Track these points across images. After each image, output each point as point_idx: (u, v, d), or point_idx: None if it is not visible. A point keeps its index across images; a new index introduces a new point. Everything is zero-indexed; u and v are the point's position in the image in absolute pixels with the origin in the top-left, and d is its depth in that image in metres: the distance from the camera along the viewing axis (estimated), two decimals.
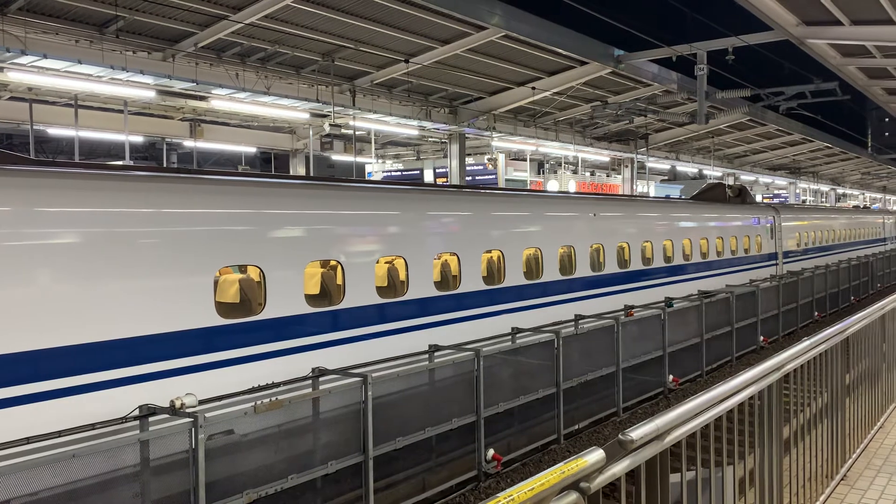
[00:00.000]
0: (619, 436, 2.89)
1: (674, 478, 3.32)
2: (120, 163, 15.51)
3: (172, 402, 5.93)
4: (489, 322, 10.63)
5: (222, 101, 15.60)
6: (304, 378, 7.48)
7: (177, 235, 7.08)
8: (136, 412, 6.01)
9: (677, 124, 24.16)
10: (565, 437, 10.17)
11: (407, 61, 15.97)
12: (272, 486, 6.44)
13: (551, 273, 12.19)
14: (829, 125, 33.56)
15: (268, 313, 7.70)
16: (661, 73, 19.93)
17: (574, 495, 2.64)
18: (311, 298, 8.32)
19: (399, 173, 27.67)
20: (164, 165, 22.83)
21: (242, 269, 8.09)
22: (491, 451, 8.76)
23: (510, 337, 10.31)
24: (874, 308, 6.97)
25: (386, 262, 9.59)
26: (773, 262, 22.33)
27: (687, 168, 35.75)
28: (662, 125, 26.39)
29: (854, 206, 55.60)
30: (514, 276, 11.36)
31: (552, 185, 27.72)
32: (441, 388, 8.43)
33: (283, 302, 7.86)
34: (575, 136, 25.16)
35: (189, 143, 20.84)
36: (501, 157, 24.65)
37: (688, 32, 18.91)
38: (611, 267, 13.82)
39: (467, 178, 22.82)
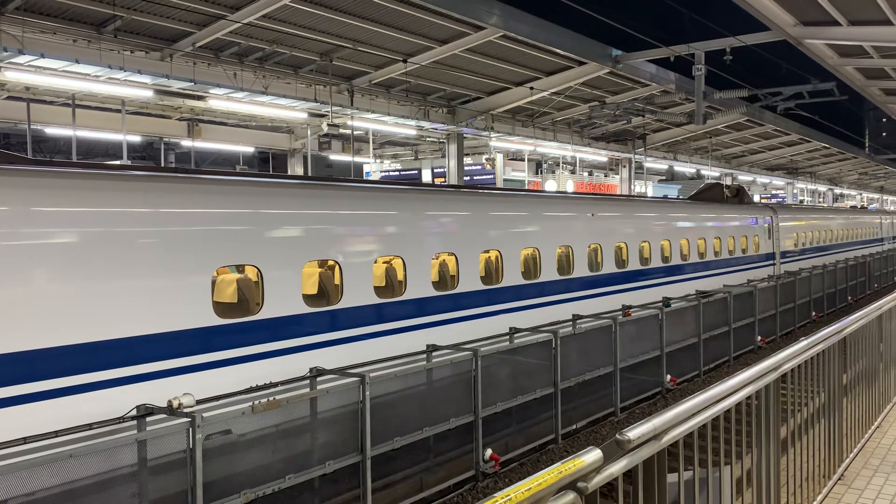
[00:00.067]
0: (617, 436, 2.90)
1: (671, 478, 3.32)
2: (117, 162, 15.50)
3: (170, 401, 5.92)
4: (487, 322, 10.63)
5: (220, 100, 15.59)
6: (302, 378, 7.48)
7: (174, 235, 7.07)
8: (134, 412, 6.00)
9: (675, 124, 24.19)
10: (563, 436, 10.18)
11: (405, 61, 15.96)
12: (270, 486, 6.44)
13: (549, 273, 12.19)
14: (827, 125, 33.65)
15: (265, 313, 7.70)
16: (658, 73, 19.95)
17: (571, 495, 2.65)
18: (308, 298, 8.32)
19: (397, 173, 27.65)
20: (162, 165, 22.81)
21: (240, 268, 8.08)
22: (489, 451, 8.77)
23: (508, 337, 10.31)
24: (871, 308, 6.98)
25: (384, 262, 9.59)
26: (771, 262, 22.36)
27: (685, 168, 35.78)
28: (660, 125, 26.41)
29: (851, 207, 55.67)
30: (512, 276, 11.37)
31: (550, 185, 27.72)
32: (439, 388, 8.43)
33: (281, 302, 7.86)
34: (573, 136, 25.17)
35: (187, 143, 20.81)
36: (499, 157, 24.65)
37: (686, 32, 18.97)
38: (608, 267, 13.82)
39: (465, 178, 22.81)
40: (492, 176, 24.40)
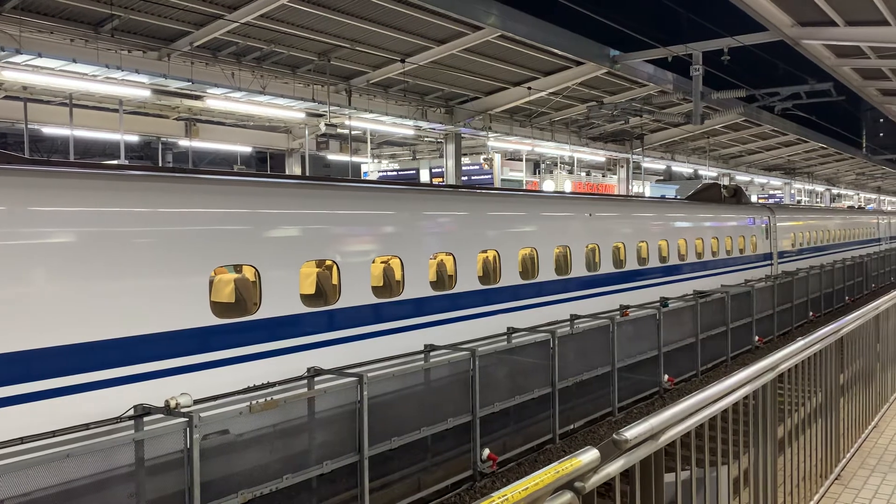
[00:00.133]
0: (614, 435, 2.90)
1: (668, 477, 3.33)
2: (115, 162, 15.48)
3: (167, 401, 5.91)
4: (485, 322, 10.64)
5: (218, 100, 15.57)
6: (300, 378, 7.47)
7: (172, 235, 7.07)
8: (131, 412, 6.00)
9: (673, 124, 24.22)
10: (561, 436, 10.18)
11: (403, 61, 15.96)
12: (267, 486, 6.44)
13: (547, 273, 12.20)
14: (824, 126, 33.69)
15: (263, 313, 7.70)
16: (656, 73, 19.96)
17: (568, 495, 2.65)
18: (306, 298, 8.31)
19: (395, 173, 27.64)
20: (160, 165, 22.78)
21: (238, 268, 8.08)
22: (486, 451, 8.77)
23: (506, 337, 10.31)
24: (868, 308, 6.99)
25: (381, 262, 9.59)
26: (769, 262, 22.38)
27: (682, 168, 35.80)
28: (658, 125, 26.43)
29: (849, 207, 55.75)
30: (510, 276, 11.37)
31: (548, 186, 27.73)
32: (437, 388, 8.44)
33: (279, 302, 7.86)
34: (571, 137, 25.18)
35: (184, 143, 20.78)
36: (497, 157, 24.66)
37: (683, 33, 18.98)
38: (606, 267, 13.83)
39: (463, 178, 22.81)
40: (490, 176, 24.41)
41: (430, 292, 9.91)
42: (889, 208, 62.12)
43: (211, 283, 7.43)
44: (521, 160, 27.28)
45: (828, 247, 28.41)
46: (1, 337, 5.78)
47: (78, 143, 18.69)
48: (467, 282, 10.55)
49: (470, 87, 19.39)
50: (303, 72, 16.01)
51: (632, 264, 14.73)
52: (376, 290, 9.16)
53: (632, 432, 2.93)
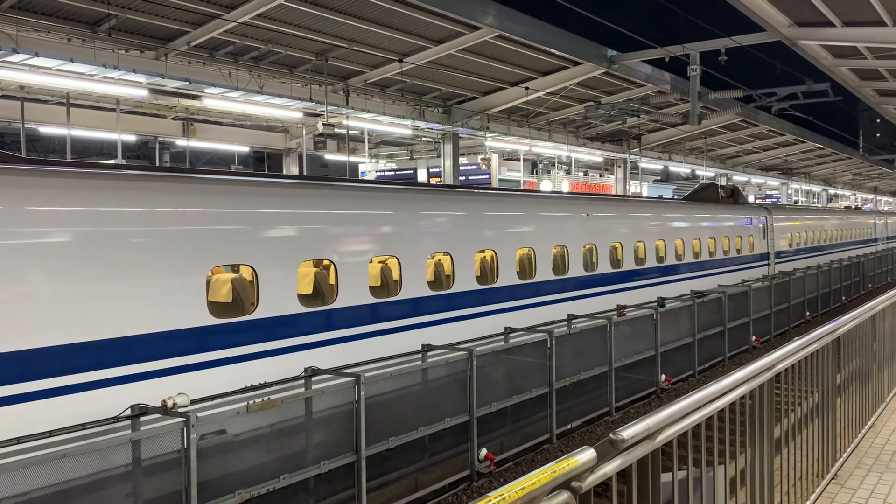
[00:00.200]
0: (611, 435, 2.90)
1: (665, 477, 3.33)
2: (112, 161, 15.46)
3: (164, 401, 5.91)
4: (482, 322, 10.64)
5: (215, 100, 15.55)
6: (297, 378, 7.47)
7: (169, 235, 7.06)
8: (128, 412, 5.99)
9: (670, 125, 24.23)
10: (558, 436, 10.18)
11: (400, 61, 15.95)
12: (264, 486, 6.43)
13: (544, 273, 12.21)
14: (821, 126, 33.73)
15: (260, 313, 7.69)
16: (653, 73, 19.97)
17: (565, 495, 2.65)
18: (303, 298, 8.31)
19: (392, 173, 27.63)
20: (157, 164, 22.75)
21: (235, 268, 8.07)
22: (484, 451, 8.77)
23: (503, 337, 10.31)
24: (865, 308, 7.00)
25: (379, 262, 9.59)
26: (765, 262, 22.42)
27: (679, 168, 35.84)
28: (655, 125, 26.44)
29: (845, 207, 55.84)
30: (508, 276, 11.37)
31: (545, 185, 27.74)
32: (434, 388, 8.44)
33: (276, 302, 7.85)
34: (568, 137, 25.19)
35: (181, 142, 20.75)
36: (495, 157, 24.66)
37: (680, 33, 18.98)
38: (604, 267, 13.84)
39: (461, 178, 22.81)
40: (487, 176, 24.40)
41: (428, 292, 9.91)
42: (886, 208, 62.24)
43: (208, 282, 7.43)
44: (518, 160, 27.28)
45: (825, 247, 28.46)
46: None
47: (75, 142, 18.67)
48: (465, 282, 10.55)
49: (467, 87, 19.39)
50: (300, 71, 16.00)
51: (629, 264, 14.74)
52: (374, 290, 9.15)
53: (628, 432, 2.93)
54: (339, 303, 8.59)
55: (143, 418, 5.98)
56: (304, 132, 20.20)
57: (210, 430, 6.13)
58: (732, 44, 16.22)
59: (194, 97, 15.50)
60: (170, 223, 7.15)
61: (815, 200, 53.42)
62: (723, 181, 35.70)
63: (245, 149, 24.94)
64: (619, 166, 30.01)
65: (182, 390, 6.10)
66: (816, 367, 5.55)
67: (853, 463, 6.17)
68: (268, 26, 13.56)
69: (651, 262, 15.61)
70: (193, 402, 6.11)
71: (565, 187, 27.59)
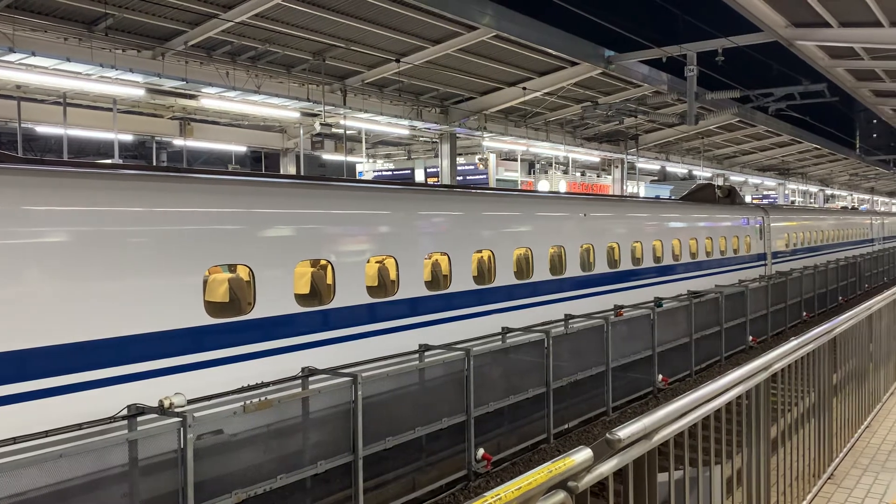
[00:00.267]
0: (607, 435, 2.90)
1: (661, 477, 3.33)
2: (109, 161, 15.43)
3: (161, 401, 5.90)
4: (479, 322, 10.64)
5: (212, 99, 15.54)
6: (294, 378, 7.46)
7: (166, 234, 7.05)
8: (125, 412, 5.98)
9: (667, 125, 24.26)
10: (555, 436, 10.19)
11: (398, 61, 15.95)
12: (261, 486, 6.43)
13: (541, 273, 12.21)
14: (818, 126, 33.81)
15: (257, 313, 7.68)
16: (651, 73, 20.00)
17: (562, 494, 2.65)
18: (300, 298, 8.30)
19: (390, 173, 27.64)
20: (154, 164, 22.72)
21: (232, 268, 8.06)
22: (481, 451, 8.77)
23: (500, 337, 10.32)
24: (861, 308, 7.02)
25: (376, 262, 9.58)
26: (762, 262, 22.45)
27: (677, 169, 35.88)
28: (652, 126, 26.47)
29: (842, 208, 55.94)
30: (505, 276, 11.38)
31: (543, 186, 27.76)
32: (431, 388, 8.43)
33: (273, 301, 7.85)
34: (565, 137, 25.21)
35: (179, 142, 20.73)
36: (492, 157, 24.67)
37: (678, 33, 19.01)
38: (601, 267, 13.86)
39: (458, 178, 22.82)
40: (484, 176, 24.42)
41: (425, 292, 9.91)
42: (882, 209, 62.36)
43: (205, 282, 7.42)
44: (516, 160, 27.30)
45: (821, 247, 28.51)
46: None
47: (72, 142, 18.65)
48: (462, 282, 10.55)
49: (465, 87, 19.40)
50: (298, 71, 15.99)
51: (626, 264, 14.75)
52: (371, 290, 9.15)
53: (625, 432, 2.94)
54: (337, 303, 8.58)
55: (139, 418, 5.97)
56: (301, 132, 20.18)
57: (207, 430, 6.12)
58: (729, 44, 16.25)
59: (191, 97, 15.49)
60: (167, 223, 7.14)
61: (812, 201, 53.52)
62: (720, 181, 35.74)
63: (242, 149, 24.92)
64: (617, 166, 30.04)
65: (179, 390, 6.09)
66: (813, 367, 5.56)
67: (849, 463, 6.19)
68: (265, 26, 13.55)
69: (648, 263, 15.63)
70: (190, 402, 6.10)
71: (562, 187, 27.61)
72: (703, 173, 35.45)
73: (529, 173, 30.00)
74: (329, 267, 8.69)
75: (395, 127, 20.06)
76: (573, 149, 26.00)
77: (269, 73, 15.59)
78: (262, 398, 6.69)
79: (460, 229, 11.00)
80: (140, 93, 14.74)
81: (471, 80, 18.63)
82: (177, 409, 5.86)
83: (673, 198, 28.57)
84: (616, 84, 20.34)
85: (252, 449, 6.52)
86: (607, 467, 2.92)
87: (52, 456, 5.09)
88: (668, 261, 16.54)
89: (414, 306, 9.70)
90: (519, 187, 26.00)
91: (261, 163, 29.40)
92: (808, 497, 5.33)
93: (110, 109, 16.08)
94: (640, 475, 3.17)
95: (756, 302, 17.11)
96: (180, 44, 13.46)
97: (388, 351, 8.73)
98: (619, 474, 3.07)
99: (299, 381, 7.49)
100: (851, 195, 63.33)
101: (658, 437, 3.23)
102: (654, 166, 34.50)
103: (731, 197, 22.90)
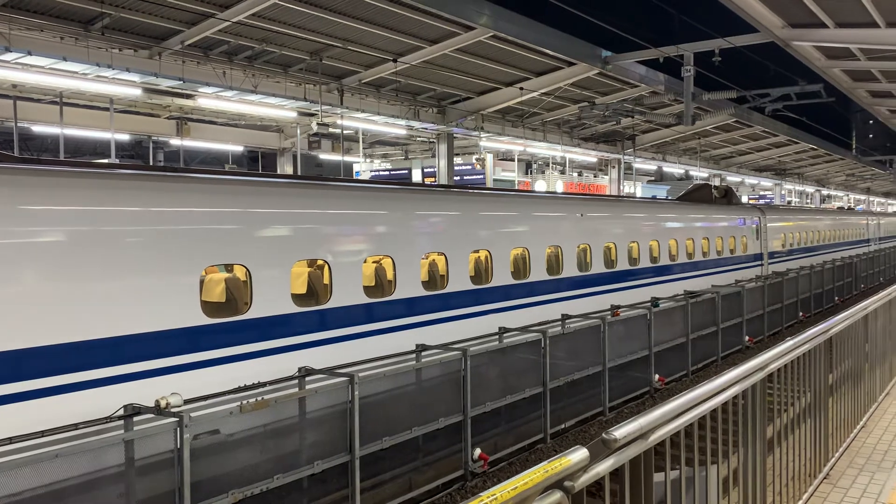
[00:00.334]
0: (603, 434, 2.91)
1: (658, 477, 3.34)
2: (105, 161, 15.40)
3: (157, 401, 5.89)
4: (476, 322, 10.64)
5: (209, 99, 15.52)
6: (291, 378, 7.46)
7: (163, 234, 7.05)
8: (121, 412, 5.97)
9: (664, 125, 24.28)
10: (552, 436, 10.20)
11: (395, 61, 15.95)
12: (258, 486, 6.42)
13: (538, 273, 12.22)
14: (815, 127, 33.84)
15: (254, 313, 7.68)
16: (648, 74, 20.02)
17: (558, 494, 2.65)
18: (297, 298, 8.30)
19: (387, 173, 27.63)
20: (151, 164, 22.68)
21: (228, 268, 8.06)
22: (478, 451, 8.77)
23: (497, 336, 10.32)
24: (857, 308, 7.03)
25: (373, 262, 9.58)
26: (759, 262, 22.48)
27: (673, 169, 35.93)
28: (649, 126, 26.51)
29: (838, 208, 56.05)
30: (502, 276, 11.38)
31: (540, 186, 27.77)
32: (428, 388, 8.43)
33: (270, 301, 7.84)
34: (562, 137, 25.23)
35: (175, 142, 20.71)
36: (489, 158, 24.67)
37: (675, 34, 18.99)
38: (597, 267, 13.87)
39: (455, 178, 22.81)
40: (482, 176, 24.41)
41: (422, 292, 9.91)
42: (878, 209, 62.49)
43: (202, 282, 7.41)
44: (513, 160, 27.31)
45: (818, 247, 28.56)
46: None
47: (68, 141, 18.61)
48: (459, 282, 10.55)
49: (462, 87, 19.40)
50: (294, 71, 15.98)
51: (623, 264, 14.77)
52: (368, 290, 9.15)
53: (621, 431, 2.94)
54: (333, 303, 8.58)
55: (136, 418, 5.96)
56: (298, 132, 20.17)
57: (203, 430, 6.12)
58: (726, 45, 16.27)
59: (188, 96, 15.47)
60: (163, 223, 7.13)
61: (809, 201, 53.61)
62: (717, 182, 35.81)
63: (239, 148, 24.90)
64: (614, 167, 30.06)
65: (175, 390, 6.08)
66: (809, 368, 5.57)
67: (845, 462, 6.20)
68: (262, 26, 13.54)
69: (645, 263, 15.64)
70: (187, 402, 6.09)
71: (559, 188, 27.63)
72: (699, 173, 35.49)
73: (526, 173, 30.00)
74: (326, 267, 8.68)
75: (392, 127, 20.06)
76: (570, 149, 26.01)
77: (266, 72, 15.58)
78: (259, 398, 6.68)
79: (457, 229, 11.00)
80: (137, 92, 14.72)
81: (468, 80, 18.63)
82: (173, 409, 5.86)
83: (669, 198, 28.58)
84: (613, 84, 20.36)
85: (249, 449, 6.52)
86: (603, 467, 2.93)
87: (48, 456, 5.08)
88: (664, 261, 16.56)
89: (411, 306, 9.69)
90: (516, 187, 25.99)
91: (257, 162, 29.38)
92: (805, 497, 5.34)
93: (107, 109, 16.06)
94: (636, 475, 3.17)
95: (752, 302, 17.14)
96: (177, 43, 13.44)
97: (385, 351, 8.72)
98: (616, 474, 3.07)
99: (296, 381, 7.48)
100: (848, 196, 63.45)
101: (654, 437, 3.24)
102: (651, 166, 34.53)
103: (727, 197, 22.93)
